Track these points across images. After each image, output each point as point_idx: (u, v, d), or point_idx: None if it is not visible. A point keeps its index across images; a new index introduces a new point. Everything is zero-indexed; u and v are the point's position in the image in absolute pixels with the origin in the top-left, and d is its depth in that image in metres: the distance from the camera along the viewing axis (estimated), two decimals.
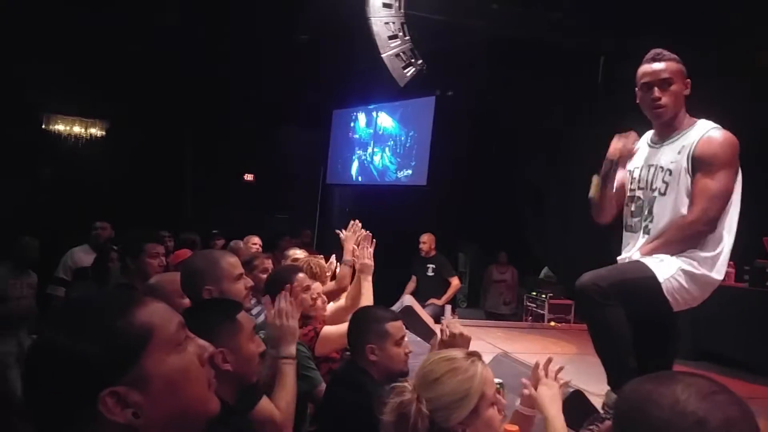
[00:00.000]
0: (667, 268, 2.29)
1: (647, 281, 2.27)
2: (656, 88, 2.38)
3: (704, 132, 2.35)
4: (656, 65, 2.40)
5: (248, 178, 10.73)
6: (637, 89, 2.47)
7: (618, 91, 2.69)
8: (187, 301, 2.13)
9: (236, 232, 5.75)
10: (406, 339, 2.20)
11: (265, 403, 1.87)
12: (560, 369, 1.82)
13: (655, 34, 5.28)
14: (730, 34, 5.56)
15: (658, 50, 2.45)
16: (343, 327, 2.45)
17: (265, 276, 3.22)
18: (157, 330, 0.90)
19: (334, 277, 3.71)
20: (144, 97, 8.42)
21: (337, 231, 3.63)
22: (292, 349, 2.05)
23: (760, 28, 5.34)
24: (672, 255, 2.32)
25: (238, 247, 4.23)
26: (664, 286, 2.27)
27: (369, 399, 1.82)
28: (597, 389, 2.59)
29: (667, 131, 2.44)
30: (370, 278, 3.12)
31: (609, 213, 2.63)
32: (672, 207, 2.35)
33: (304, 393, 2.36)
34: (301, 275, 2.78)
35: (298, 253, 4.11)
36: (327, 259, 3.87)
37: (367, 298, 3.03)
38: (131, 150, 8.84)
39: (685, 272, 2.29)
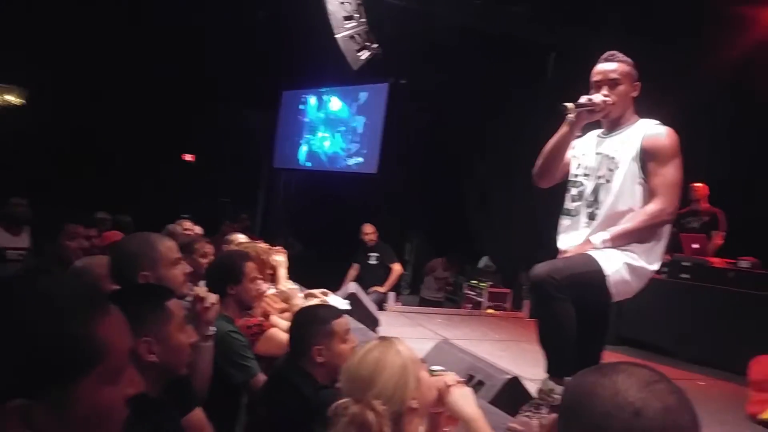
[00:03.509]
0: (613, 262, 2.35)
1: (595, 274, 2.33)
2: (605, 88, 2.46)
3: (649, 126, 2.45)
4: (607, 65, 2.49)
5: (187, 158, 10.33)
6: (590, 87, 2.54)
7: (568, 87, 2.71)
8: (115, 287, 2.01)
9: (174, 216, 5.56)
10: (351, 333, 2.15)
11: (200, 412, 1.79)
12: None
13: (609, 35, 5.46)
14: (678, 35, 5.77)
15: (612, 52, 2.53)
16: None
17: (205, 261, 3.12)
18: (112, 353, 0.77)
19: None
20: (71, 63, 7.70)
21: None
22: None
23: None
24: (630, 243, 2.38)
25: (175, 230, 4.08)
26: (609, 280, 2.34)
27: (308, 406, 1.78)
28: (531, 374, 2.63)
29: (613, 126, 2.53)
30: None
31: (552, 176, 2.65)
32: (617, 193, 2.42)
33: (239, 383, 2.31)
34: (251, 264, 2.69)
35: (242, 239, 4.00)
36: (272, 246, 3.78)
37: None
38: (54, 122, 8.14)
39: (628, 265, 2.37)
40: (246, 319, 2.66)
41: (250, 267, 2.65)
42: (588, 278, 2.33)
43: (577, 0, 6.27)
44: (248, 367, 2.35)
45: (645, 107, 2.57)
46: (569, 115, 2.47)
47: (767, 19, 5.77)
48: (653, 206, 2.37)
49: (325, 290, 3.60)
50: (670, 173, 2.37)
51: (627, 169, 2.40)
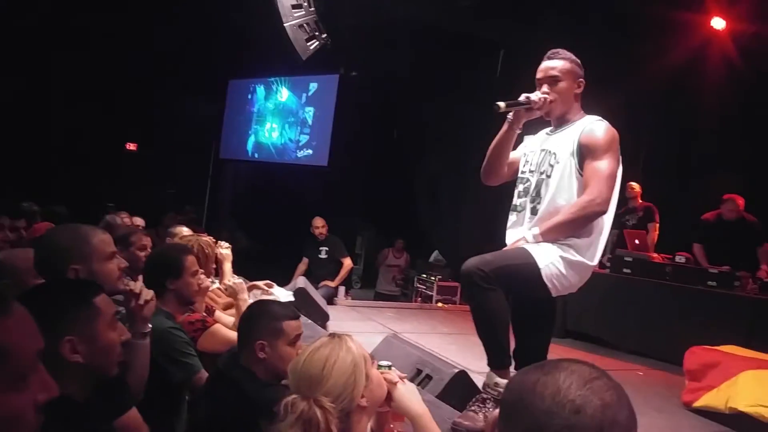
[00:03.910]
0: (546, 255, 2.37)
1: (528, 267, 2.35)
2: (546, 85, 2.48)
3: (589, 122, 2.48)
4: (550, 63, 2.51)
5: (131, 148, 9.98)
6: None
7: (516, 84, 2.72)
8: (40, 281, 1.89)
9: (117, 206, 5.35)
10: (301, 340, 2.08)
11: (135, 413, 1.71)
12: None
13: (556, 33, 5.55)
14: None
15: (556, 50, 2.55)
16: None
17: (143, 254, 2.99)
18: (12, 356, 0.70)
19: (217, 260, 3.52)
20: (6, 47, 7.31)
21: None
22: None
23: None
24: (562, 237, 2.40)
25: (114, 221, 3.90)
26: (543, 272, 2.36)
27: (251, 403, 1.72)
28: (479, 367, 2.64)
29: (559, 123, 2.56)
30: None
31: (498, 174, 2.67)
32: (555, 187, 2.45)
33: (181, 381, 2.22)
34: (191, 257, 2.59)
35: (185, 231, 3.87)
36: (216, 240, 3.67)
37: None
38: None
39: (564, 259, 2.39)
40: (188, 315, 2.57)
41: (191, 261, 2.55)
42: (521, 270, 2.35)
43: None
44: (189, 364, 2.27)
45: (589, 105, 2.60)
46: (508, 115, 2.48)
47: (703, 24, 5.98)
48: (582, 198, 2.38)
49: (270, 282, 3.52)
50: (602, 166, 2.37)
51: (565, 164, 2.43)
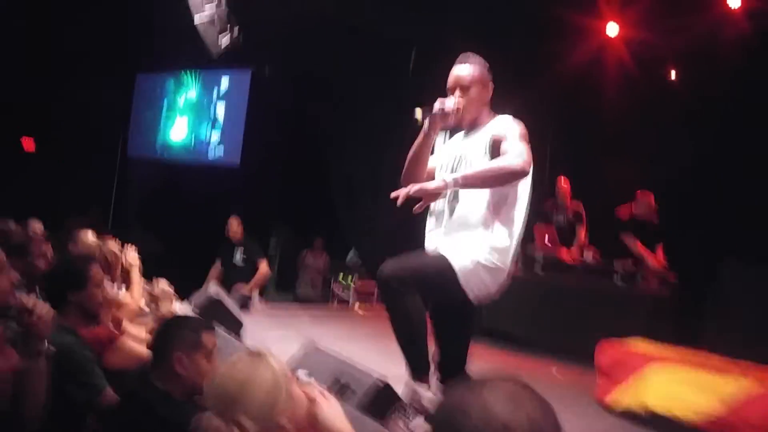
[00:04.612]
0: (463, 261, 2.39)
1: (444, 272, 2.36)
2: (458, 91, 2.52)
3: (499, 120, 2.54)
4: (459, 70, 2.54)
5: (27, 144, 9.30)
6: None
7: (428, 85, 2.75)
8: None
9: (11, 209, 4.92)
10: (216, 352, 1.99)
11: None
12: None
13: (464, 32, 5.67)
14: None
15: (466, 53, 2.58)
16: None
17: (43, 263, 2.79)
18: None
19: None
20: None
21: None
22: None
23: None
24: (479, 186, 2.37)
25: (8, 228, 3.59)
26: (461, 278, 2.37)
27: (166, 427, 1.64)
28: (399, 372, 2.63)
29: (471, 127, 2.60)
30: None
31: (418, 181, 2.59)
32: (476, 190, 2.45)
33: (84, 402, 2.08)
34: (95, 267, 2.43)
35: (89, 236, 3.64)
36: (122, 245, 3.47)
37: None
38: None
39: (481, 265, 2.40)
40: (93, 329, 2.40)
41: (95, 270, 2.41)
42: (438, 275, 2.36)
43: None
44: (93, 384, 2.13)
45: (498, 103, 2.66)
46: (424, 123, 2.49)
47: (602, 29, 6.32)
48: (506, 156, 2.35)
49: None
50: (519, 143, 2.38)
51: (479, 164, 2.45)
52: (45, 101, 8.47)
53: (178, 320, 2.05)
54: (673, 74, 6.51)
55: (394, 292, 2.29)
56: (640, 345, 3.86)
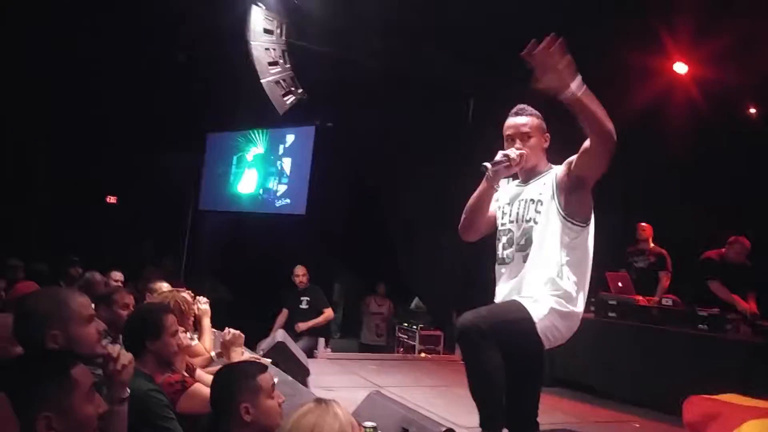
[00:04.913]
0: (540, 309, 2.37)
1: (524, 323, 2.35)
2: (518, 141, 2.56)
3: (559, 168, 2.56)
4: (518, 120, 2.60)
5: (111, 200, 9.95)
6: (504, 140, 2.64)
7: (485, 133, 2.80)
8: (19, 349, 1.84)
9: (97, 260, 5.25)
10: (276, 388, 2.05)
11: None
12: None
13: (522, 79, 5.69)
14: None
15: (522, 106, 2.64)
16: None
17: (125, 312, 2.94)
18: None
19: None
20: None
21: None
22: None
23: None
24: (590, 115, 2.30)
25: (94, 279, 3.84)
26: (538, 327, 2.36)
27: None
28: (467, 422, 2.59)
29: (530, 175, 2.63)
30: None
31: (477, 230, 2.69)
32: (542, 232, 2.48)
33: None
34: (171, 316, 2.54)
35: (164, 287, 3.81)
36: (194, 295, 3.62)
37: None
38: None
39: (556, 311, 2.39)
40: (168, 376, 2.50)
41: (171, 320, 2.51)
42: (517, 326, 2.34)
43: (491, 51, 6.50)
44: (168, 429, 2.20)
45: (558, 150, 2.67)
46: (488, 172, 2.53)
47: (668, 68, 6.16)
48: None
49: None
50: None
51: (549, 208, 2.48)
52: (125, 162, 9.10)
53: (232, 371, 2.09)
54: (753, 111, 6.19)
55: (473, 345, 2.28)
56: (733, 400, 3.58)
